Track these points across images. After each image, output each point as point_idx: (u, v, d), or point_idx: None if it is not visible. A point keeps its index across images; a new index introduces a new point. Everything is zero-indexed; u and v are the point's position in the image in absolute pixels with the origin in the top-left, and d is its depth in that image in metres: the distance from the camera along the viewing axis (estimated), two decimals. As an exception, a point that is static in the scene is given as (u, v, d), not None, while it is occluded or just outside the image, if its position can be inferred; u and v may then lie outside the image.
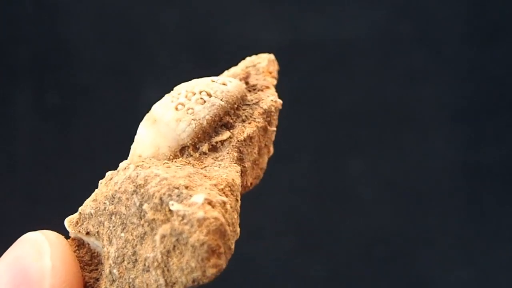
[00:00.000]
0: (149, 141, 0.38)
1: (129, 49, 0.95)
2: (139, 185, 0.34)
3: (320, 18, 0.94)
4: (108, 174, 0.37)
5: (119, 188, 0.35)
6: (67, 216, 0.38)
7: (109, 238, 0.35)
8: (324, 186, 0.94)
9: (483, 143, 0.95)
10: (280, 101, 0.41)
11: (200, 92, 0.39)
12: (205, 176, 0.35)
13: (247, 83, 0.42)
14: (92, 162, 0.93)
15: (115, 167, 0.39)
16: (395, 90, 0.93)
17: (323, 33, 0.94)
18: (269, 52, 0.46)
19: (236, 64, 0.46)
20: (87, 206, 0.37)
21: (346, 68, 0.92)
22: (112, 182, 0.36)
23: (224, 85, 0.40)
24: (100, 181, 0.38)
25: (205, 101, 0.39)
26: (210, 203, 0.32)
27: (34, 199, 0.93)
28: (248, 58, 0.46)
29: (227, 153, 0.38)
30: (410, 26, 0.94)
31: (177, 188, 0.33)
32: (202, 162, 0.37)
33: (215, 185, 0.35)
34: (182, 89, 0.40)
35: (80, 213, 0.37)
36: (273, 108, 0.40)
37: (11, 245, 0.36)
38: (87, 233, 0.36)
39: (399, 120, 0.94)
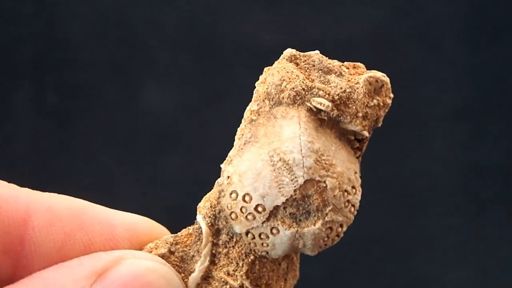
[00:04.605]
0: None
1: (129, 49, 0.95)
2: None
3: (320, 18, 0.94)
4: None
5: None
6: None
7: None
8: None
9: (483, 143, 0.95)
10: None
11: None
12: None
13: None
14: (92, 162, 0.93)
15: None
16: (395, 90, 0.93)
17: (323, 33, 0.94)
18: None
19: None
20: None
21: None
22: None
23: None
24: None
25: None
26: None
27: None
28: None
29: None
30: (410, 26, 0.94)
31: None
32: None
33: None
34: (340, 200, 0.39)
35: None
36: None
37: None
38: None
39: (399, 119, 0.94)
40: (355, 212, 0.38)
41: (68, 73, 0.95)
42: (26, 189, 0.38)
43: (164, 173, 0.93)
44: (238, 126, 0.39)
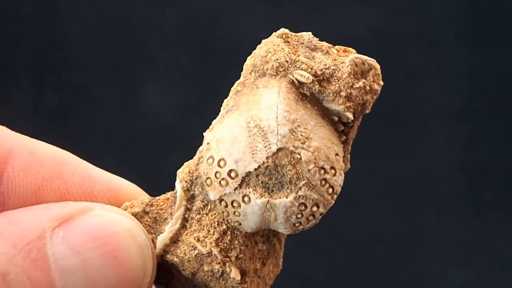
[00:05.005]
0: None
1: (129, 49, 0.95)
2: None
3: (320, 18, 0.94)
4: None
5: None
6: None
7: None
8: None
9: (483, 142, 0.95)
10: None
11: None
12: None
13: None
14: (92, 162, 0.92)
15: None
16: (395, 90, 0.93)
17: (323, 33, 0.94)
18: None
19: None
20: None
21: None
22: None
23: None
24: None
25: None
26: None
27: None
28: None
29: None
30: (410, 26, 0.94)
31: None
32: None
33: None
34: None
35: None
36: None
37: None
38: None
39: (399, 120, 0.94)
40: (335, 196, 0.38)
41: (68, 73, 0.95)
42: (15, 132, 0.38)
43: (164, 173, 0.93)
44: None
